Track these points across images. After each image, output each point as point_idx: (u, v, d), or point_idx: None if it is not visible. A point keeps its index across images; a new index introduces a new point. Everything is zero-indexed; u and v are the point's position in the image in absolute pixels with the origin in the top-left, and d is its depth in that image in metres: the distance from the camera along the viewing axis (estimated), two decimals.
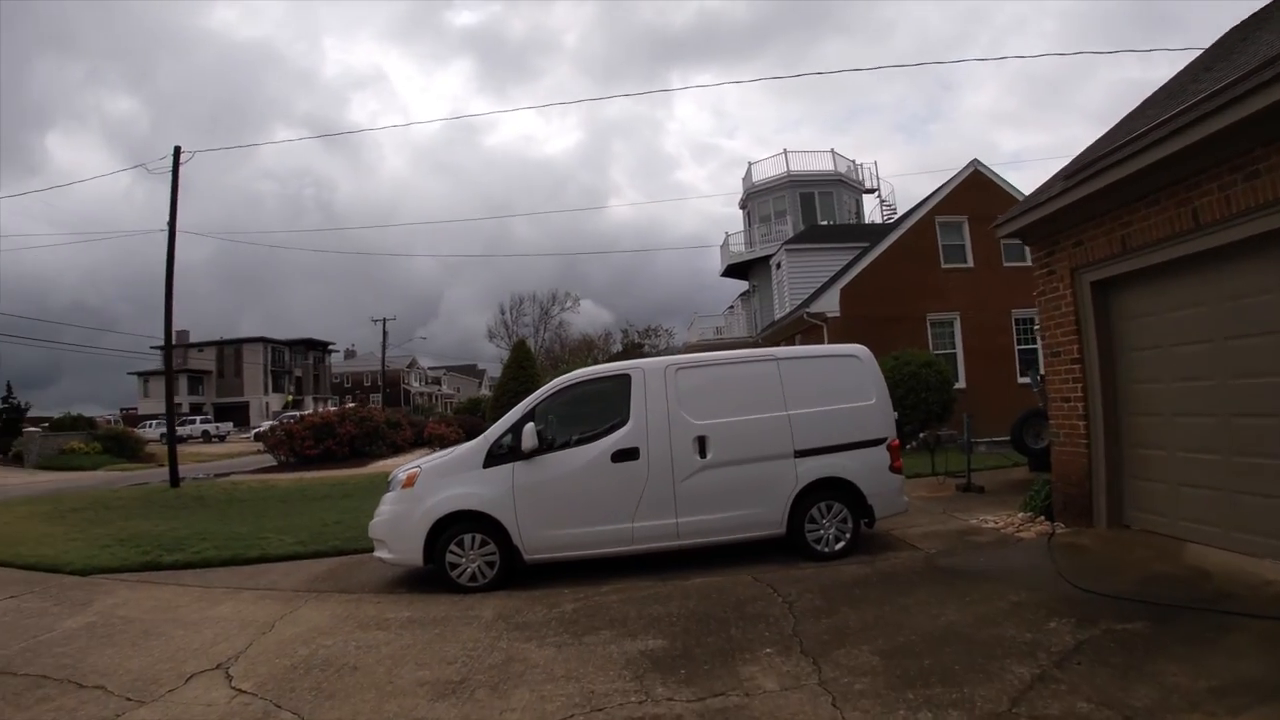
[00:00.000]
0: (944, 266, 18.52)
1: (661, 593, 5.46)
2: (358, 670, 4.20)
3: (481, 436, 6.41)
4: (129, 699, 3.91)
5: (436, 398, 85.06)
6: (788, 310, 21.70)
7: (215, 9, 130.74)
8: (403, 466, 6.72)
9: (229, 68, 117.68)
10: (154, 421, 48.73)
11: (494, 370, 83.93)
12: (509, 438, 6.28)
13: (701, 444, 6.28)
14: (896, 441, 6.80)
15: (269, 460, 23.17)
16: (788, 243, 24.08)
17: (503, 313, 63.65)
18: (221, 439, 47.11)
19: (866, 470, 6.52)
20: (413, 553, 6.13)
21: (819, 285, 20.54)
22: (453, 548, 6.07)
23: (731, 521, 6.26)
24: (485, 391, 74.48)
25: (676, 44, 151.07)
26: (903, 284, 17.99)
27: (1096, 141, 7.07)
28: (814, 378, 6.72)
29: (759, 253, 27.38)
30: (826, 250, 22.40)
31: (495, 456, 6.26)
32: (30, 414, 36.64)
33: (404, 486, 6.32)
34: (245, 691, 3.94)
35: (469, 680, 3.96)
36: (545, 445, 6.22)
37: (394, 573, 6.61)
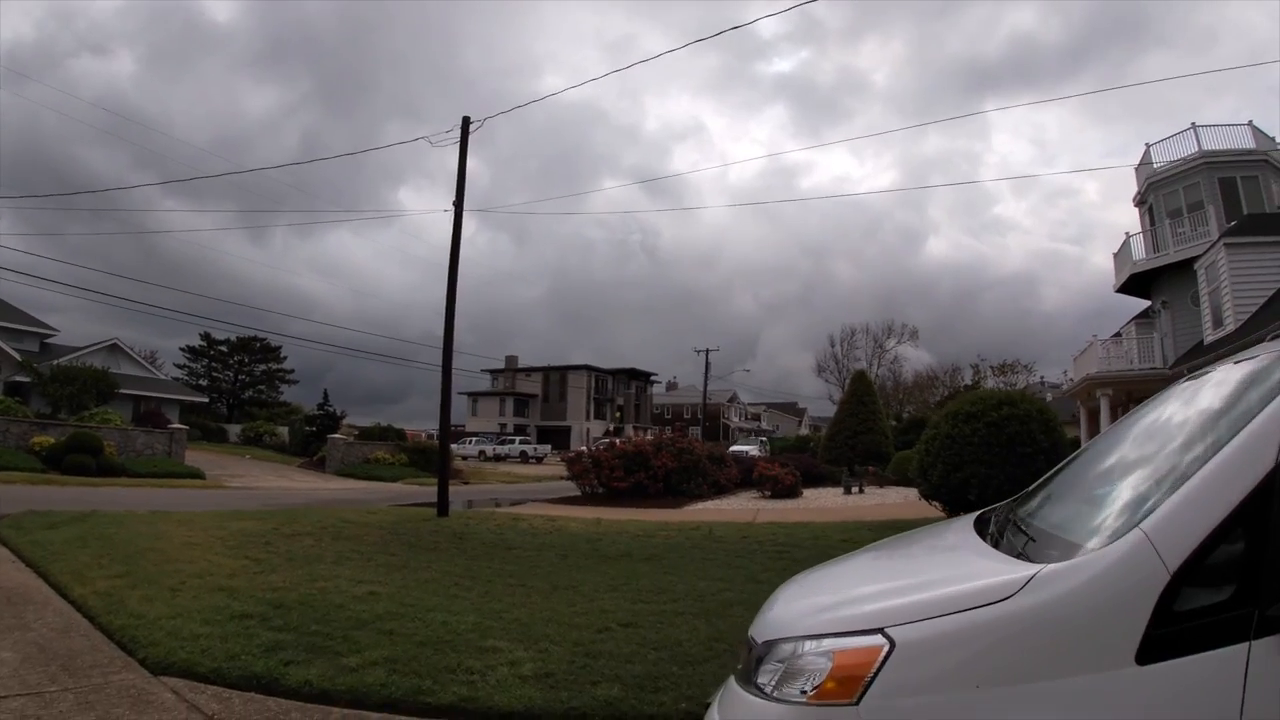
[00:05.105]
0: None
1: None
2: None
3: (1133, 542, 1.53)
4: None
5: (755, 433, 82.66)
6: (1230, 327, 16.71)
7: (544, 77, 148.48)
8: (791, 605, 2.28)
9: (559, 127, 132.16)
10: (475, 439, 51.51)
11: (815, 408, 79.48)
12: (1242, 559, 1.45)
13: None
14: None
15: (573, 489, 20.64)
16: (1226, 234, 17.90)
17: (832, 345, 58.62)
18: (539, 460, 48.11)
19: None
20: None
21: (1274, 292, 15.94)
22: None
23: None
24: (804, 430, 70.09)
25: (988, 74, 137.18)
26: None
27: None
28: None
29: (1174, 256, 20.79)
30: None
31: (1187, 619, 1.43)
32: (346, 421, 39.39)
33: (817, 697, 1.70)
34: None
35: None
36: None
37: None
